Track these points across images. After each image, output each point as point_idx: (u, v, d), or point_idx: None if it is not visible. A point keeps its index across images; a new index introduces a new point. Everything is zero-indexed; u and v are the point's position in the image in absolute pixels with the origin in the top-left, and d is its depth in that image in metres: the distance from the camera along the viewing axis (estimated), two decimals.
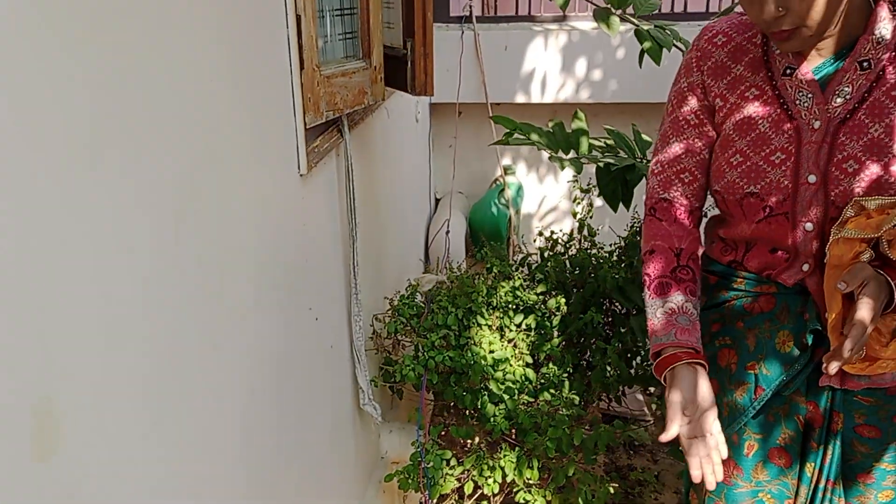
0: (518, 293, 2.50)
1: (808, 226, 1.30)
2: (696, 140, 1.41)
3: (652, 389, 2.94)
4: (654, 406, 3.03)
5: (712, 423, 1.25)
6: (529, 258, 2.89)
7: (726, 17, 1.44)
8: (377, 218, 2.61)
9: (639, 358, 2.50)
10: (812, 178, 1.27)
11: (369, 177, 2.47)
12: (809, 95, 1.28)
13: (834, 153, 1.26)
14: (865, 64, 1.24)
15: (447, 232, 3.50)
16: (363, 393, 2.17)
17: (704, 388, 1.27)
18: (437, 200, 4.14)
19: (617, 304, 2.57)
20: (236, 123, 1.35)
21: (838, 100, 1.26)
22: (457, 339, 2.30)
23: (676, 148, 1.43)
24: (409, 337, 2.39)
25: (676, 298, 1.36)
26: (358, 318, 2.11)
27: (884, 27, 1.23)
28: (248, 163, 1.41)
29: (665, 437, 1.24)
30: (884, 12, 1.23)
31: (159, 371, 1.08)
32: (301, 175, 1.69)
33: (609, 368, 2.35)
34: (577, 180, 2.73)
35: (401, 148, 3.12)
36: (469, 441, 2.39)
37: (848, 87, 1.25)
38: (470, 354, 2.23)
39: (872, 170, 1.23)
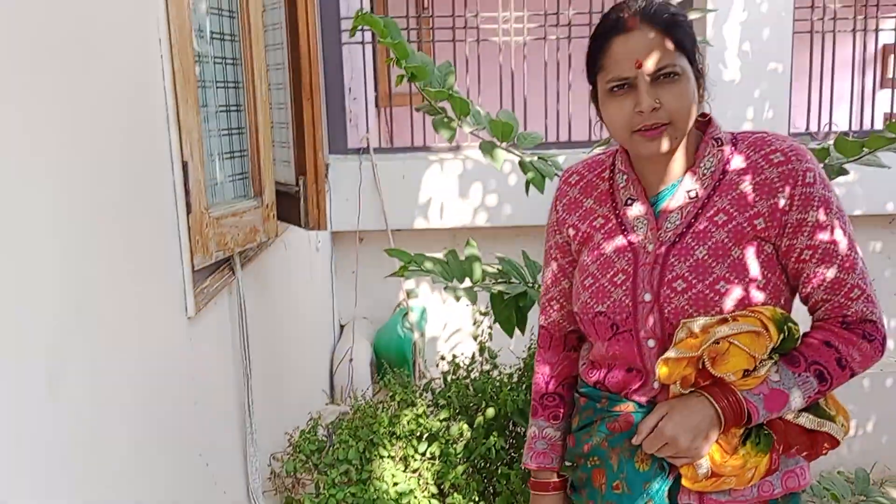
0: (421, 420, 2.49)
1: (651, 342, 1.38)
2: (560, 271, 1.54)
3: None
4: None
5: None
6: (433, 383, 2.90)
7: (584, 158, 1.58)
8: (276, 352, 2.58)
9: None
10: (647, 297, 1.37)
11: (266, 311, 2.46)
12: (645, 222, 1.40)
13: (665, 273, 1.36)
14: (693, 193, 1.38)
15: (350, 360, 3.47)
16: None
17: None
18: (342, 327, 4.13)
19: (519, 426, 2.58)
20: (116, 271, 1.34)
21: (669, 225, 1.38)
22: (359, 473, 2.25)
23: (548, 278, 1.56)
24: (309, 474, 2.32)
25: (539, 423, 1.52)
26: (254, 460, 2.04)
27: (708, 161, 1.38)
28: (130, 310, 1.39)
29: None
30: (709, 147, 1.39)
31: None
32: (189, 317, 1.68)
33: (513, 494, 2.33)
34: (475, 303, 2.78)
35: (301, 278, 3.12)
36: None
37: (677, 214, 1.38)
38: (373, 489, 2.18)
39: (698, 289, 1.33)
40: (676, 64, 1.31)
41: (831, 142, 2.23)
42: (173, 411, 1.59)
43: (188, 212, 1.68)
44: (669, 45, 1.31)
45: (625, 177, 1.45)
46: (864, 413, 4.06)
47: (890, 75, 5.45)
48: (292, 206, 2.26)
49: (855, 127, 4.19)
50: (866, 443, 4.06)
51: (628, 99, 1.32)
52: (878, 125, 4.69)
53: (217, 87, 1.94)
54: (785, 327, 1.31)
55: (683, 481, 1.35)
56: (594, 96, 1.43)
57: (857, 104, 4.16)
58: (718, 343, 1.28)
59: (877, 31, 4.20)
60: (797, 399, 1.30)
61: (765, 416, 1.29)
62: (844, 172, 2.23)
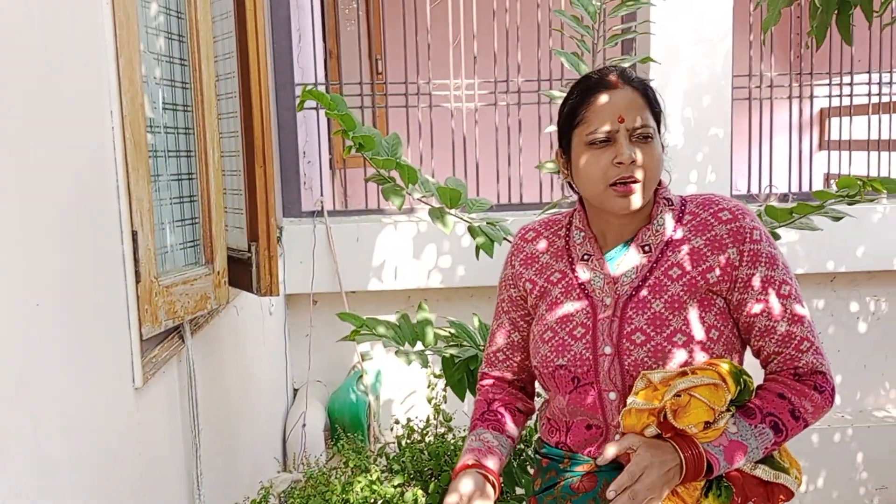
0: (375, 487, 2.46)
1: (612, 395, 1.42)
2: (512, 325, 1.59)
3: None
4: None
5: None
6: (388, 447, 2.87)
7: (540, 218, 1.64)
8: (227, 419, 2.55)
9: None
10: (608, 350, 1.41)
11: (217, 378, 2.43)
12: (602, 276, 1.46)
13: (623, 326, 1.41)
14: (647, 248, 1.44)
15: (303, 425, 3.43)
16: None
17: (471, 486, 1.38)
18: (295, 391, 4.08)
19: None
20: (61, 343, 1.32)
21: (625, 279, 1.44)
22: None
23: (497, 331, 1.61)
24: None
25: (476, 432, 1.52)
26: None
27: (661, 218, 1.45)
28: (75, 383, 1.37)
29: None
30: (661, 207, 1.47)
31: None
32: (136, 388, 1.66)
33: None
34: (429, 366, 2.79)
35: (253, 343, 3.10)
36: None
37: (633, 268, 1.44)
38: None
39: (657, 341, 1.38)
40: (650, 126, 1.41)
41: (772, 203, 2.33)
42: (119, 485, 1.56)
43: (137, 281, 1.67)
44: (646, 107, 1.41)
45: (581, 234, 1.52)
46: (815, 469, 4.12)
47: (828, 137, 5.69)
48: (244, 272, 2.26)
49: (794, 188, 4.35)
50: (817, 498, 4.11)
51: (606, 153, 1.39)
52: (818, 185, 4.88)
53: (169, 157, 1.96)
54: (741, 379, 1.36)
55: None
56: (564, 153, 1.49)
57: (795, 166, 4.33)
58: (680, 396, 1.32)
59: (811, 97, 4.40)
60: (755, 450, 1.35)
61: (724, 467, 1.33)
62: (776, 237, 2.31)
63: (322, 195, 4.09)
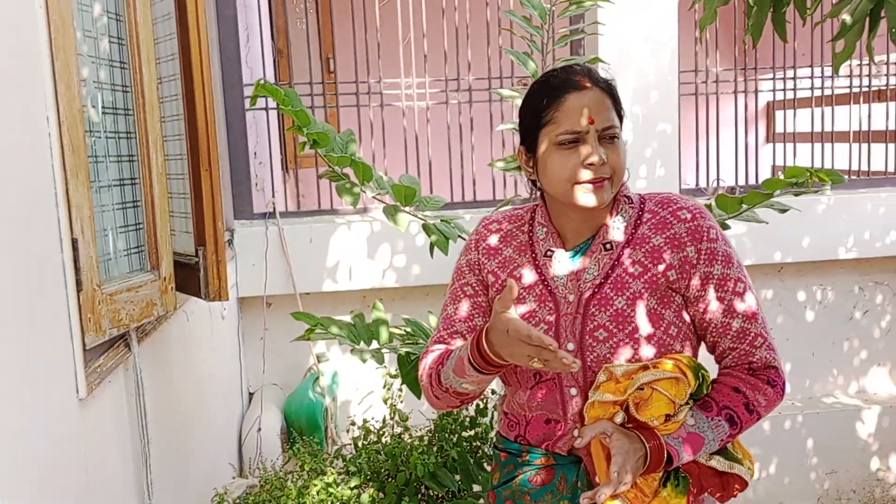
0: (332, 489, 2.45)
1: (573, 391, 1.44)
2: (471, 308, 1.56)
3: None
4: None
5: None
6: (344, 449, 2.86)
7: (502, 209, 1.64)
8: (179, 427, 2.50)
9: None
10: (570, 346, 1.43)
11: (167, 385, 2.39)
12: (564, 273, 1.47)
13: (586, 323, 1.43)
14: (608, 246, 1.46)
15: (259, 429, 3.39)
16: None
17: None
18: (251, 395, 4.03)
19: (431, 489, 2.57)
20: None
21: (588, 276, 1.45)
22: None
23: (453, 315, 1.56)
24: None
25: (448, 355, 1.47)
26: None
27: (622, 216, 1.48)
28: (15, 396, 1.33)
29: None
30: (622, 204, 1.49)
31: None
32: (80, 399, 1.62)
33: None
34: (385, 365, 2.78)
35: (205, 348, 3.05)
36: None
37: (595, 265, 1.46)
38: None
39: (619, 337, 1.41)
40: (617, 126, 1.42)
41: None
42: (64, 499, 1.52)
43: (79, 289, 1.63)
44: (612, 108, 1.42)
45: (544, 230, 1.52)
46: (767, 456, 4.22)
47: (774, 131, 5.81)
48: (192, 277, 2.23)
49: (742, 181, 4.43)
50: (770, 485, 4.21)
51: (575, 153, 1.40)
52: (766, 178, 4.98)
53: (111, 162, 1.92)
54: (700, 374, 1.39)
55: None
56: (528, 151, 1.49)
57: (742, 160, 4.41)
58: (643, 389, 1.34)
59: (756, 91, 4.48)
60: (711, 442, 1.39)
61: (683, 459, 1.37)
62: (727, 227, 2.35)
63: (274, 196, 4.04)
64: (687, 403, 1.39)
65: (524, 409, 1.52)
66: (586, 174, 1.40)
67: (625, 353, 1.40)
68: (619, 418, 1.37)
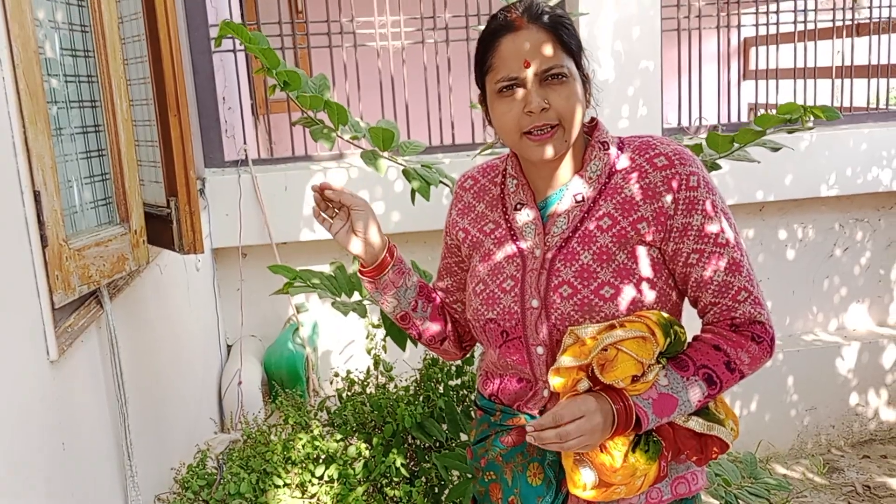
0: (317, 443, 2.40)
1: (540, 350, 1.37)
2: (445, 270, 1.60)
3: None
4: None
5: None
6: (328, 401, 2.81)
7: (480, 163, 1.55)
8: (156, 384, 2.43)
9: (446, 492, 2.46)
10: (535, 303, 1.36)
11: (142, 341, 2.30)
12: (533, 227, 1.39)
13: (551, 279, 1.35)
14: (579, 197, 1.37)
15: (239, 382, 3.32)
16: None
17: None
18: (229, 348, 3.96)
19: (419, 440, 2.53)
20: None
21: (556, 230, 1.37)
22: None
23: (443, 269, 1.61)
24: None
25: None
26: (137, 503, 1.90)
27: (595, 164, 1.38)
28: None
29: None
30: (594, 151, 1.38)
31: None
32: (51, 361, 1.53)
33: None
34: (365, 317, 2.71)
35: (180, 302, 2.96)
36: None
37: (564, 218, 1.37)
38: None
39: (584, 294, 1.32)
40: (563, 65, 1.31)
41: (703, 136, 2.29)
42: (38, 461, 1.45)
43: (44, 245, 1.53)
44: (556, 46, 1.30)
45: (515, 181, 1.44)
46: (748, 393, 4.25)
47: (752, 67, 5.72)
48: (164, 230, 2.12)
49: (723, 119, 4.37)
50: (750, 422, 4.24)
51: (517, 100, 1.30)
52: (744, 117, 4.92)
53: (72, 107, 1.79)
54: (671, 331, 1.31)
55: (572, 489, 1.33)
56: (483, 99, 1.40)
57: (723, 97, 4.34)
58: (606, 350, 1.27)
59: (739, 26, 4.39)
60: (686, 403, 1.30)
61: (654, 420, 1.28)
62: (717, 167, 2.29)
63: (245, 143, 3.91)
64: (658, 363, 1.31)
65: (497, 368, 1.47)
66: (529, 122, 1.30)
67: (590, 310, 1.31)
68: (582, 385, 1.28)
